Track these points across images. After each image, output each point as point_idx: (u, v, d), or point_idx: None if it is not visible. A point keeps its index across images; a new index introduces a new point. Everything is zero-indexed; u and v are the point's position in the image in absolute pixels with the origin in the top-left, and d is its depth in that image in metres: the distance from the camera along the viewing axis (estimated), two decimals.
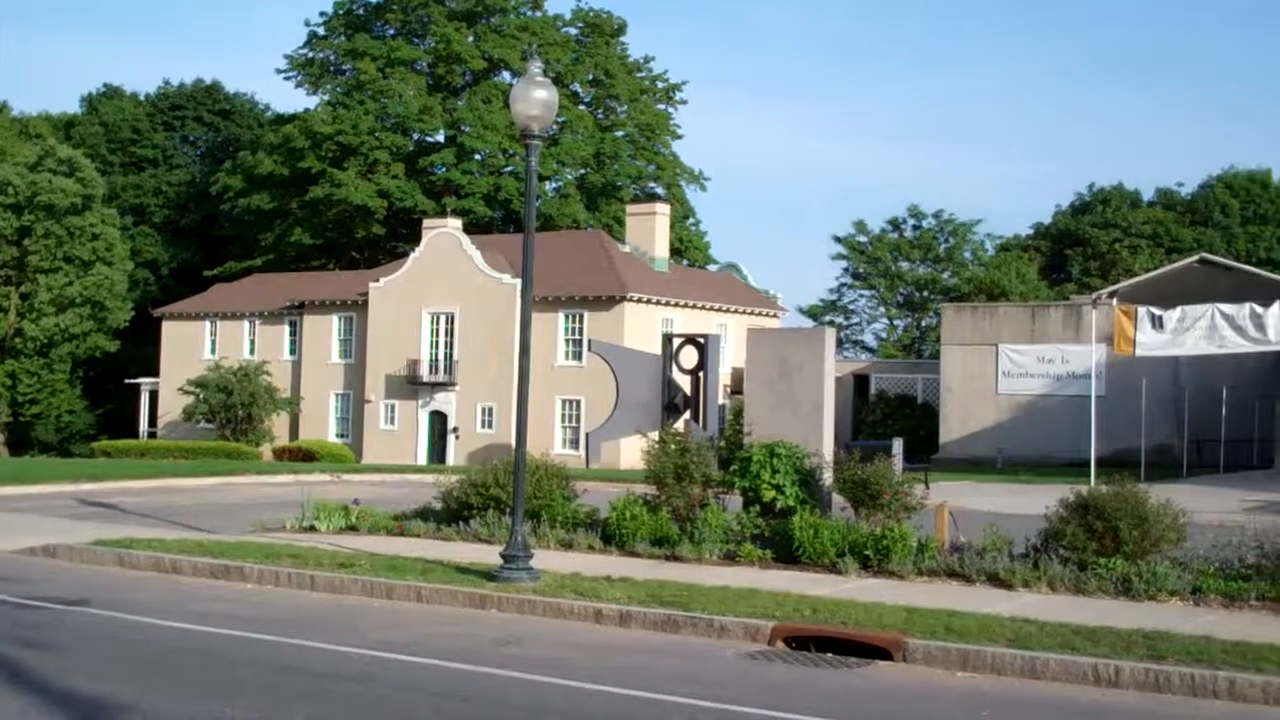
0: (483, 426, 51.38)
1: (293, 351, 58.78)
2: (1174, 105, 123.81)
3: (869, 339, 78.30)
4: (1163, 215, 74.55)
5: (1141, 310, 29.37)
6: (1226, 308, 28.48)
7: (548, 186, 70.43)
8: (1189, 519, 15.83)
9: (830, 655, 11.97)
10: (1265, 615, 13.35)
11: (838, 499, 18.38)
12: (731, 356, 43.19)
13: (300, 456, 50.63)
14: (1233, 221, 73.79)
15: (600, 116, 73.59)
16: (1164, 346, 29.90)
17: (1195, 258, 32.37)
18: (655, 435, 19.46)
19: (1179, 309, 28.96)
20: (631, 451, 27.69)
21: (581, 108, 72.70)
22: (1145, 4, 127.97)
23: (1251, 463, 39.01)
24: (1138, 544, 14.99)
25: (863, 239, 76.96)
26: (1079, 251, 74.43)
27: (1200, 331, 28.84)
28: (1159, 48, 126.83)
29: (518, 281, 42.93)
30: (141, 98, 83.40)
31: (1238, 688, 10.45)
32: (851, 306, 79.17)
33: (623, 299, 48.17)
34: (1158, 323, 29.05)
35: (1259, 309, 28.03)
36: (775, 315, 56.14)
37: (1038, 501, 16.60)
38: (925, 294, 75.35)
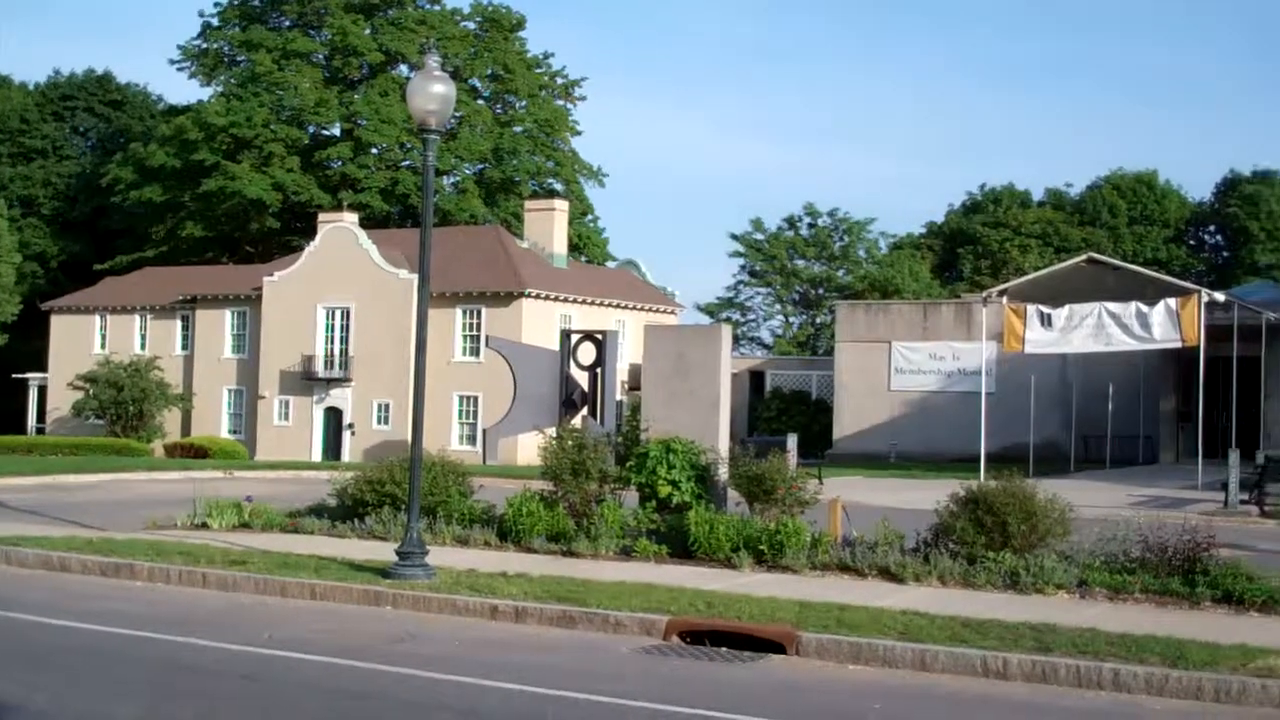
0: (379, 423, 50.98)
1: (185, 346, 57.85)
2: (1063, 108, 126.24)
3: (765, 336, 78.89)
4: (1052, 215, 75.95)
5: (1031, 308, 29.91)
6: (1113, 306, 29.08)
7: (445, 181, 70.00)
8: (1076, 513, 16.15)
9: (724, 649, 12.07)
10: (1149, 608, 13.65)
11: (733, 494, 18.52)
12: (630, 353, 43.25)
13: (192, 453, 49.89)
14: (1120, 222, 75.34)
15: (499, 112, 73.31)
16: (1052, 344, 30.49)
17: (1083, 257, 32.93)
18: (553, 431, 19.46)
19: (1067, 307, 29.52)
20: (529, 448, 27.68)
21: (480, 103, 72.35)
22: (1037, 11, 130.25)
23: (1137, 458, 39.91)
24: (1026, 538, 15.27)
25: (759, 237, 77.48)
26: (970, 250, 75.58)
27: (1088, 329, 29.43)
28: (1049, 53, 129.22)
29: (415, 277, 42.68)
30: (30, 87, 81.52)
31: (1122, 679, 10.69)
32: (748, 304, 79.71)
33: (521, 295, 48.07)
34: (1046, 321, 29.60)
35: (1144, 308, 28.65)
36: (673, 312, 56.35)
37: (929, 496, 16.86)
38: (820, 291, 76.06)
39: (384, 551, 16.28)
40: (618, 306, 52.18)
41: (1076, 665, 10.91)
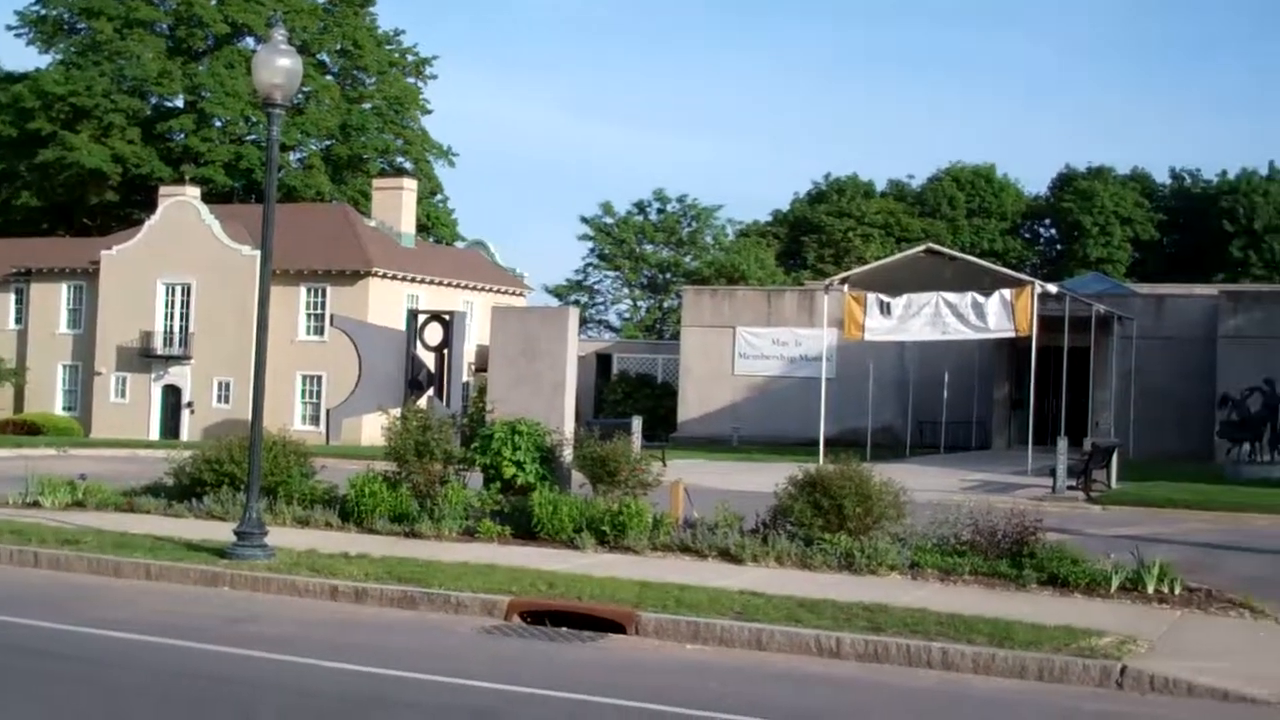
0: (219, 401, 50.04)
1: (18, 321, 56.10)
2: (906, 101, 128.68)
3: (613, 319, 79.14)
4: (894, 206, 77.49)
5: (871, 297, 30.51)
6: (950, 296, 29.81)
7: (291, 157, 68.86)
8: (910, 497, 16.57)
9: (565, 629, 12.17)
10: (977, 589, 14.04)
11: (577, 476, 18.64)
12: (477, 334, 43.03)
13: (24, 430, 48.45)
14: (959, 214, 77.17)
15: (348, 88, 72.28)
16: (891, 332, 31.16)
17: (922, 248, 33.70)
18: (398, 412, 19.35)
19: (906, 296, 30.18)
20: (374, 428, 27.42)
21: (328, 78, 71.25)
22: (882, 2, 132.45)
23: (971, 444, 41.00)
24: (861, 520, 15.63)
25: (609, 220, 77.67)
26: (815, 239, 76.74)
27: (925, 318, 30.12)
28: (894, 44, 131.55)
29: (258, 253, 41.98)
30: None
31: (950, 658, 11.02)
32: (596, 287, 79.87)
33: (368, 274, 47.56)
34: (886, 309, 30.24)
35: (980, 298, 29.42)
36: (521, 294, 56.25)
37: (769, 479, 17.13)
38: (668, 276, 76.52)
39: (222, 532, 16.05)
40: (466, 287, 51.92)
41: (907, 645, 11.22)
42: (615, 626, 12.11)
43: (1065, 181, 77.69)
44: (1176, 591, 13.81)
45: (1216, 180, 74.69)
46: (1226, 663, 10.93)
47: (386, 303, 46.35)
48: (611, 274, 79.26)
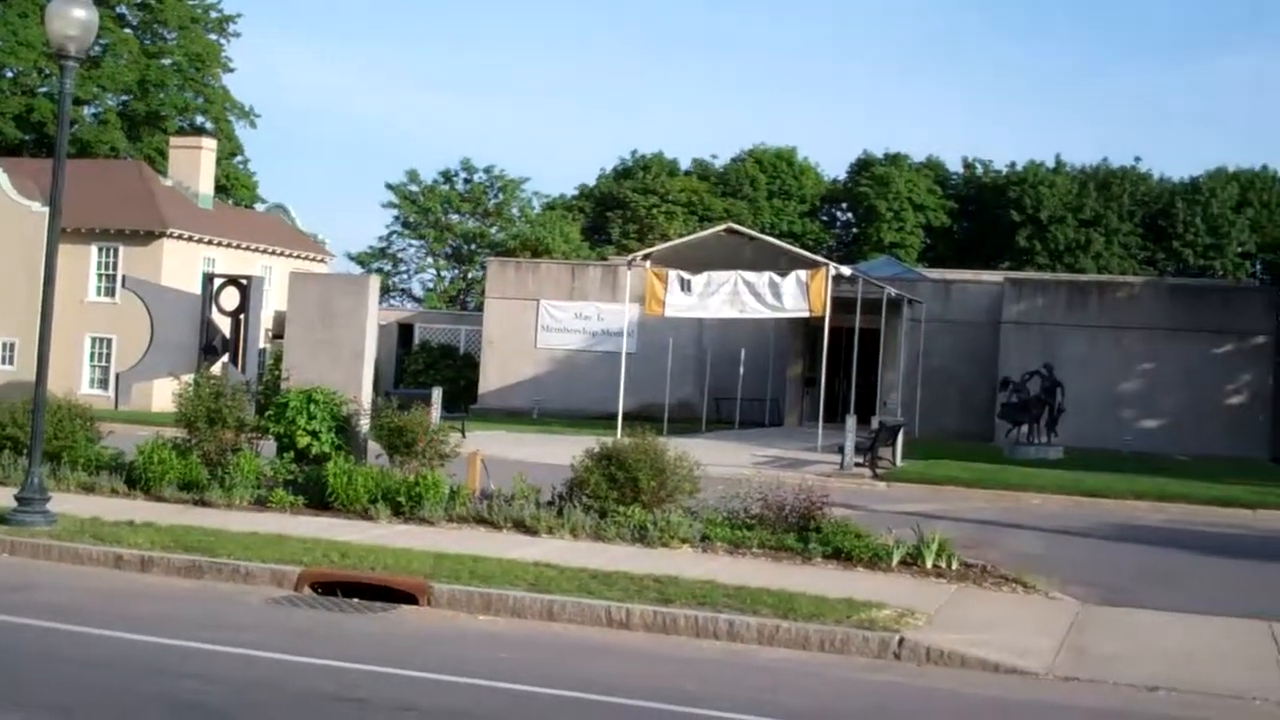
0: (4, 363, 48.10)
1: None
2: (711, 81, 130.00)
3: (416, 289, 78.31)
4: (698, 185, 78.28)
5: (672, 274, 30.84)
6: (749, 275, 30.30)
7: (85, 112, 66.30)
8: (703, 471, 16.86)
9: (356, 600, 12.13)
10: (764, 562, 14.40)
11: (374, 446, 18.51)
12: (276, 300, 42.22)
13: None
14: (760, 195, 78.35)
15: (147, 42, 69.83)
16: (691, 309, 31.54)
17: (723, 227, 34.12)
18: (190, 378, 18.94)
19: (706, 274, 30.58)
20: (166, 394, 26.79)
21: (127, 31, 68.74)
22: None
23: (764, 420, 41.80)
24: (655, 494, 15.89)
25: (414, 189, 76.76)
26: (620, 214, 77.13)
27: (724, 296, 30.57)
28: (699, 26, 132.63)
29: (47, 210, 40.44)
30: None
31: (736, 629, 11.31)
32: (400, 255, 78.84)
33: (162, 235, 46.14)
34: (686, 286, 30.60)
35: (777, 278, 29.98)
36: (323, 260, 55.25)
37: (567, 452, 17.28)
38: (473, 247, 76.05)
39: (2, 498, 15.53)
40: (265, 252, 50.78)
41: (695, 616, 11.49)
42: (408, 598, 12.12)
43: (863, 167, 79.49)
44: (954, 566, 14.37)
45: (1005, 171, 77.31)
46: (998, 635, 11.44)
47: (182, 265, 45.05)
48: (416, 243, 78.39)
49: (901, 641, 10.98)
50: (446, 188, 76.90)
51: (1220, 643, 11.70)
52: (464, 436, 25.74)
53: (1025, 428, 33.00)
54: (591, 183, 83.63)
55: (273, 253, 51.12)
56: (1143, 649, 11.30)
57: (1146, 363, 39.16)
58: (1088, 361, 38.83)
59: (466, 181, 77.09)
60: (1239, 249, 71.43)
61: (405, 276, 78.98)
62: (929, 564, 14.34)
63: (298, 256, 52.25)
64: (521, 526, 15.61)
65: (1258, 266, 72.04)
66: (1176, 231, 71.64)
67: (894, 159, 78.99)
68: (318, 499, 16.61)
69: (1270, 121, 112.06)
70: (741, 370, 38.60)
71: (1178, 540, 18.79)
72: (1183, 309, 39.64)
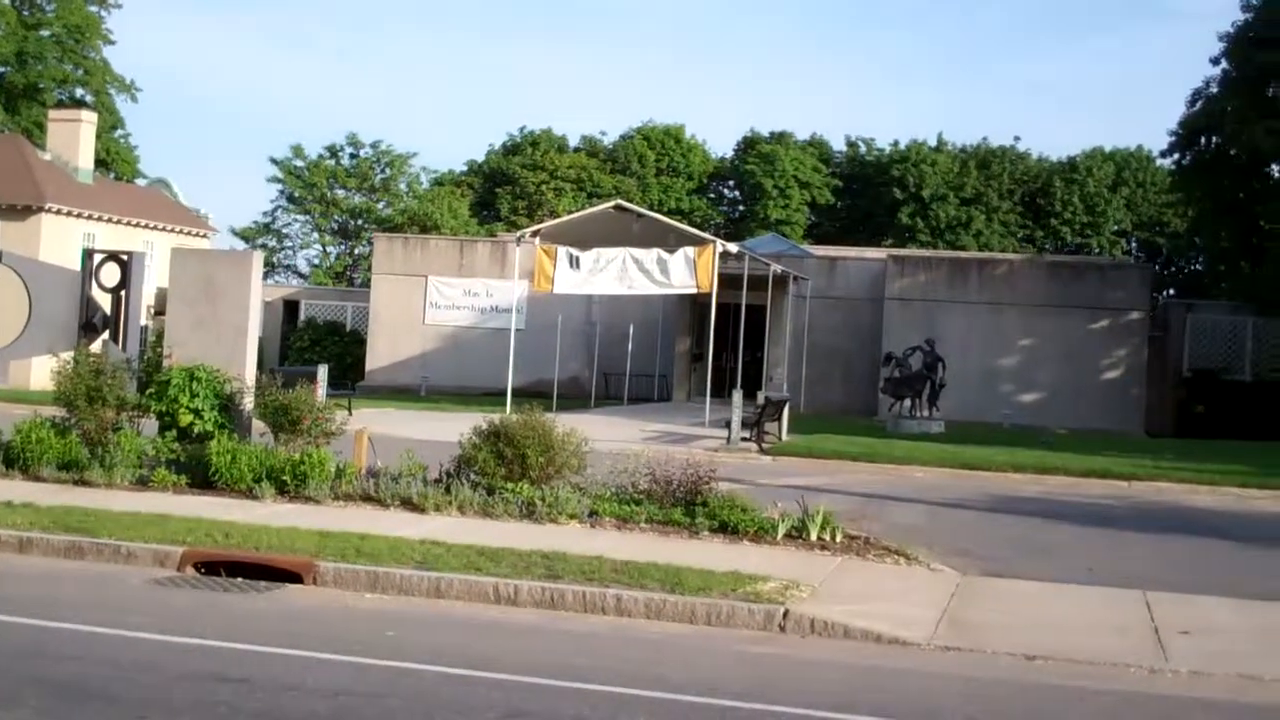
0: None
1: None
2: (598, 57, 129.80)
3: (302, 265, 77.27)
4: (587, 161, 78.17)
5: (561, 250, 30.83)
6: (637, 252, 30.39)
7: None
8: (592, 447, 16.93)
9: (240, 580, 12.01)
10: (652, 537, 14.52)
11: (259, 424, 18.30)
12: (158, 276, 41.40)
13: None
14: (649, 172, 78.46)
15: (25, 14, 67.93)
16: (580, 285, 31.54)
17: (612, 204, 34.15)
18: (69, 355, 18.57)
19: (595, 251, 30.60)
20: (44, 372, 26.12)
21: (4, 2, 66.86)
22: None
23: (653, 396, 41.98)
24: (544, 470, 15.92)
25: (300, 164, 75.71)
26: (509, 191, 76.78)
27: (613, 273, 30.62)
28: (591, 3, 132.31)
29: None
30: None
31: (624, 604, 11.40)
32: (286, 231, 77.70)
33: (40, 209, 45.03)
34: (575, 263, 30.60)
35: (665, 255, 30.10)
36: (206, 235, 54.33)
37: (456, 429, 17.22)
38: (360, 223, 75.26)
39: None
40: (147, 227, 49.78)
41: (583, 591, 11.55)
42: (293, 577, 12.04)
43: (749, 145, 79.90)
44: (838, 539, 14.60)
45: (888, 149, 78.21)
46: (881, 607, 11.65)
47: (61, 240, 44.01)
48: (302, 218, 77.35)
49: (786, 614, 11.14)
50: (332, 162, 75.96)
51: (1096, 612, 12.02)
52: (350, 414, 25.55)
53: (908, 402, 33.51)
54: (480, 159, 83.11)
55: (155, 228, 50.15)
56: (1021, 619, 11.57)
57: (1025, 338, 39.95)
58: (968, 337, 39.50)
59: (353, 156, 76.23)
60: (1115, 227, 73.05)
61: (291, 252, 77.93)
62: (814, 537, 14.54)
63: (180, 232, 51.33)
64: (409, 504, 15.55)
65: (1133, 244, 73.75)
66: (1054, 210, 73.07)
67: (780, 137, 79.52)
68: (201, 478, 16.40)
69: (1144, 103, 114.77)
70: (630, 346, 38.73)
71: (1055, 512, 19.22)
72: (1060, 286, 40.48)
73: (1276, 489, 22.39)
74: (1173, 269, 69.14)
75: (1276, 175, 37.54)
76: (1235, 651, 10.63)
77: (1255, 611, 12.23)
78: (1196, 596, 12.78)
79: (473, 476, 15.98)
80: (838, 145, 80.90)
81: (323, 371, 29.30)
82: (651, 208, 61.78)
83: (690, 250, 30.01)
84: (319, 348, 47.11)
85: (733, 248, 32.74)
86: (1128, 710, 9.12)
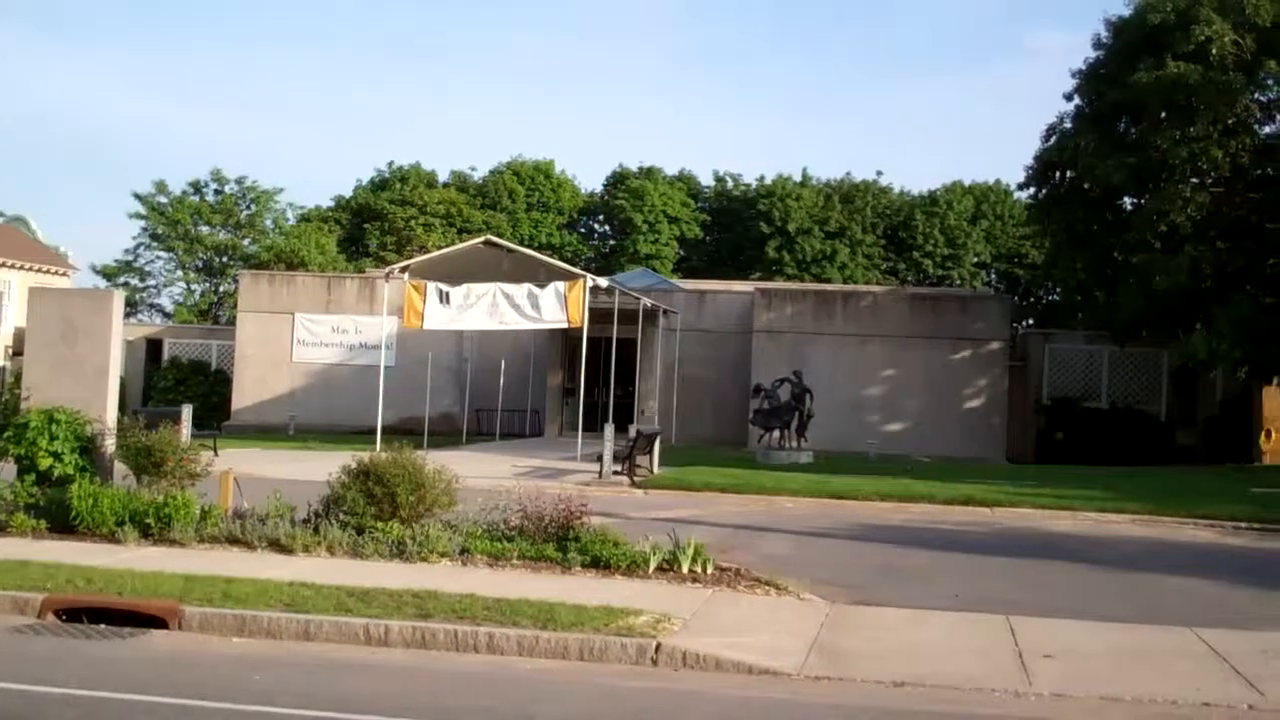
0: None
1: None
2: (467, 93, 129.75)
3: (166, 303, 75.79)
4: (456, 197, 77.89)
5: (431, 286, 30.68)
6: (508, 287, 30.36)
7: None
8: (464, 484, 16.87)
9: (103, 626, 11.75)
10: (524, 573, 14.48)
11: (121, 467, 17.94)
12: (15, 316, 40.52)
13: None
14: (519, 207, 78.43)
15: None
16: (450, 321, 31.41)
17: (482, 239, 34.10)
18: None
19: (465, 286, 30.51)
20: None
21: None
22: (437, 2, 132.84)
23: (525, 431, 41.92)
24: (414, 508, 15.81)
25: (163, 199, 74.37)
26: (377, 226, 76.19)
27: (484, 308, 30.54)
28: (456, 38, 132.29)
29: None
30: None
31: (496, 641, 11.36)
32: (149, 268, 76.21)
33: None
34: (445, 298, 30.46)
35: (536, 290, 30.12)
36: (66, 274, 53.14)
37: (324, 468, 17.04)
38: (225, 259, 74.11)
39: None
40: (4, 265, 48.61)
41: (454, 630, 11.49)
42: (158, 622, 11.81)
43: (619, 180, 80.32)
44: (709, 571, 14.70)
45: (755, 184, 79.15)
46: (752, 638, 11.77)
47: None
48: (165, 255, 75.92)
49: (659, 647, 11.19)
50: (197, 199, 74.73)
51: (962, 637, 12.26)
52: (216, 455, 25.09)
53: (777, 433, 33.85)
54: (348, 194, 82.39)
55: (12, 266, 48.97)
56: (889, 646, 11.76)
57: (890, 369, 40.64)
58: (835, 368, 40.09)
59: (217, 193, 75.09)
60: (975, 259, 74.65)
61: (154, 290, 76.42)
62: (685, 569, 14.63)
63: (39, 270, 50.19)
64: (277, 545, 15.34)
65: (992, 276, 75.40)
66: (916, 242, 74.48)
67: (648, 172, 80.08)
68: (61, 523, 16.01)
69: (1002, 138, 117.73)
70: (502, 381, 38.65)
71: (921, 539, 19.53)
72: (923, 317, 41.29)
73: (1132, 513, 23.04)
74: (1031, 300, 70.77)
75: (1129, 208, 38.62)
76: (1096, 673, 10.91)
77: (1114, 634, 12.57)
78: (1058, 620, 13.09)
79: (342, 516, 15.82)
80: (705, 180, 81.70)
81: (187, 411, 28.82)
82: (522, 243, 61.79)
83: (561, 285, 30.07)
84: (183, 387, 46.23)
85: (603, 282, 32.88)
86: None
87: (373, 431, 30.24)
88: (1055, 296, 64.10)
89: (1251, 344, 34.04)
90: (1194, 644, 12.14)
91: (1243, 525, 22.09)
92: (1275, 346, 35.12)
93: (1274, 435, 38.53)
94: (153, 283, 76.53)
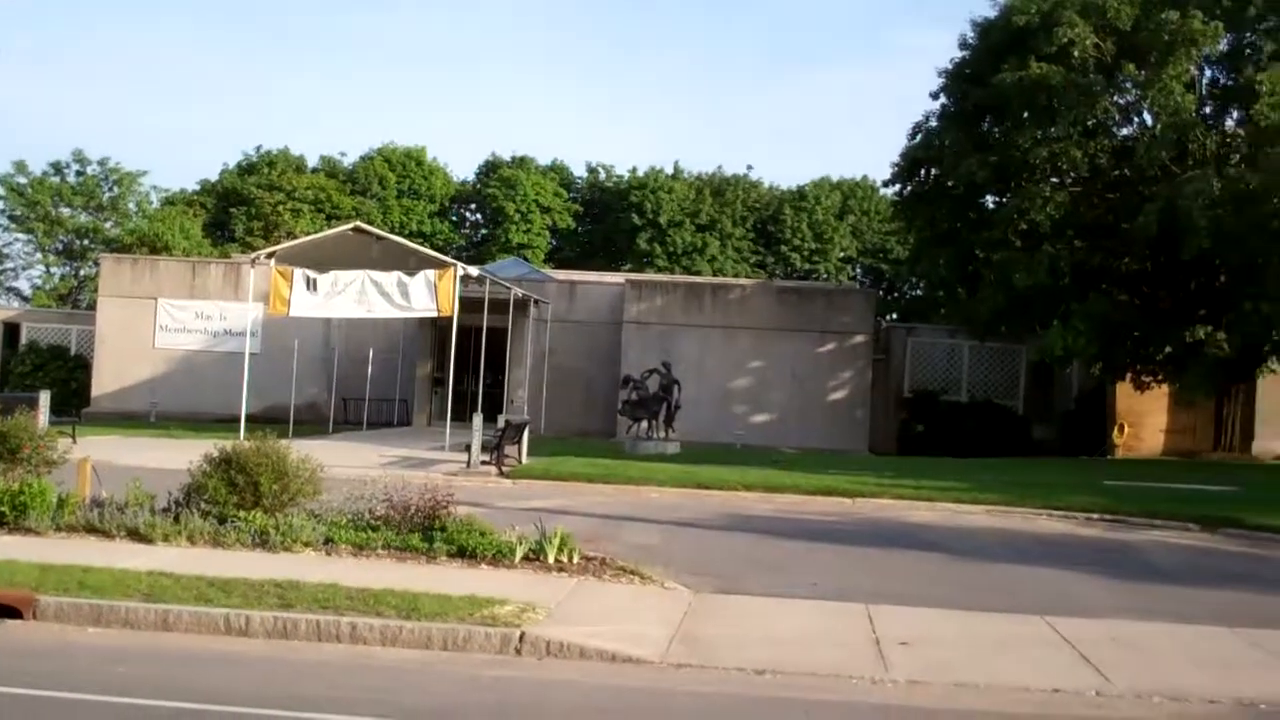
0: None
1: None
2: (337, 77, 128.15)
3: (24, 286, 73.74)
4: (325, 182, 76.91)
5: (298, 273, 30.29)
6: (377, 275, 30.10)
7: None
8: (329, 473, 16.74)
9: None
10: (389, 563, 14.42)
11: None
12: None
13: None
14: (390, 194, 77.69)
15: None
16: (317, 308, 31.05)
17: (350, 226, 33.71)
18: None
19: (333, 273, 30.17)
20: None
21: None
22: None
23: (394, 421, 41.62)
24: (278, 497, 15.65)
25: (22, 180, 72.36)
26: (244, 211, 74.95)
27: (352, 296, 30.23)
28: (329, 23, 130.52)
29: None
30: None
31: (359, 631, 11.32)
32: (6, 250, 74.15)
33: None
34: (312, 285, 30.10)
35: (405, 278, 29.90)
36: None
37: (186, 456, 16.77)
38: (86, 243, 72.32)
39: None
40: None
41: (316, 620, 11.42)
42: (12, 612, 11.57)
43: (491, 169, 79.93)
44: (575, 560, 14.79)
45: (627, 176, 79.39)
46: (616, 627, 11.88)
47: None
48: (24, 237, 73.88)
49: (522, 637, 11.25)
50: (57, 180, 72.85)
51: (823, 626, 12.49)
52: (75, 442, 24.59)
53: (645, 423, 34.06)
54: (215, 178, 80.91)
55: None
56: (751, 634, 11.95)
57: (757, 361, 41.10)
58: (703, 359, 40.44)
59: (79, 174, 73.27)
60: (841, 254, 75.74)
61: (12, 273, 74.38)
62: (551, 559, 14.70)
63: None
64: (136, 535, 15.09)
65: (858, 270, 76.58)
66: (784, 236, 75.33)
67: (521, 161, 79.90)
68: None
69: (871, 135, 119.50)
70: (370, 370, 38.32)
71: (784, 529, 19.82)
72: (790, 310, 41.82)
73: (988, 504, 23.61)
74: (896, 294, 71.95)
75: (991, 206, 39.48)
76: (951, 660, 11.21)
77: (969, 622, 12.92)
78: (916, 609, 13.41)
79: (204, 505, 15.61)
80: (579, 171, 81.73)
81: (44, 397, 28.20)
82: (392, 230, 61.30)
83: (431, 273, 29.90)
84: (42, 373, 45.11)
85: (474, 271, 32.77)
86: (851, 719, 9.52)
87: (237, 420, 29.81)
88: (919, 291, 65.32)
89: (1106, 340, 35.10)
90: (1046, 632, 12.52)
91: (1095, 517, 22.78)
92: (1129, 343, 36.26)
93: (1127, 430, 39.76)
94: (10, 265, 74.50)
